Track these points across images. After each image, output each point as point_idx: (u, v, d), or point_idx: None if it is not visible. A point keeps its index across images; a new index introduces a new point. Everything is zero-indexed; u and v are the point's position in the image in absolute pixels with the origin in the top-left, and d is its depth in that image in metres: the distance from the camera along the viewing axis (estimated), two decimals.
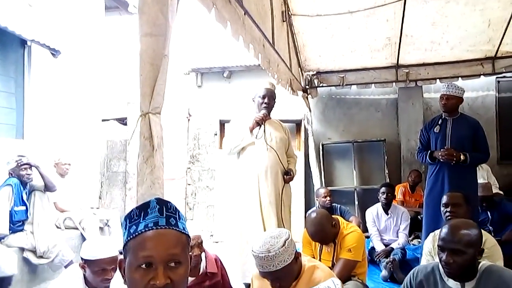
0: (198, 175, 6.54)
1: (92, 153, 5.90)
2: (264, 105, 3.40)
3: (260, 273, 1.93)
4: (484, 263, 1.81)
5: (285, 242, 1.86)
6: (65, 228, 4.41)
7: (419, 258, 3.36)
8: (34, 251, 3.73)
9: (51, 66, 5.00)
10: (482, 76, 5.29)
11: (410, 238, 4.75)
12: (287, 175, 3.41)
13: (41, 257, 3.74)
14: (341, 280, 2.24)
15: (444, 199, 2.82)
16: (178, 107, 6.38)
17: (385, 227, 4.38)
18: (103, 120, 6.40)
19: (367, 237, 4.27)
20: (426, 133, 3.71)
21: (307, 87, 5.82)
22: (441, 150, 3.46)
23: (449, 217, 2.70)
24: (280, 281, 1.89)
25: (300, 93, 5.51)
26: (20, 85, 4.67)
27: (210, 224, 6.35)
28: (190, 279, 2.45)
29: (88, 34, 5.69)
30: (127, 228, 1.06)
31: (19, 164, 3.72)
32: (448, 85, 3.54)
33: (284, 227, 3.16)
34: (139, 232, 1.03)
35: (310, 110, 5.86)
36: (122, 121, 7.00)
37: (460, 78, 5.23)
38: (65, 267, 3.71)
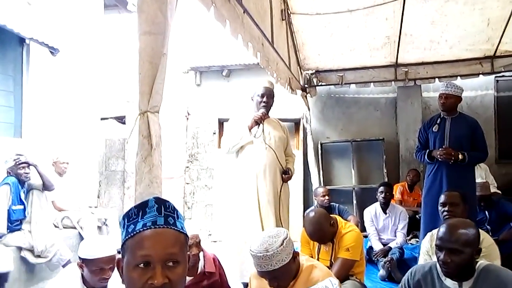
0: (197, 174, 6.54)
1: (90, 151, 5.89)
2: (263, 104, 3.39)
3: (258, 273, 1.93)
4: (481, 262, 1.81)
5: (283, 241, 1.86)
6: (63, 227, 4.40)
7: (417, 257, 3.36)
8: (32, 250, 3.72)
9: (49, 64, 4.98)
10: (481, 75, 5.31)
11: (408, 238, 4.76)
12: (286, 174, 3.40)
13: (39, 256, 3.73)
14: (339, 279, 2.25)
15: (442, 198, 2.83)
16: (176, 105, 6.38)
17: (383, 226, 4.39)
18: (101, 119, 6.38)
19: (365, 236, 4.28)
20: (425, 132, 3.71)
21: (306, 86, 5.82)
22: (440, 149, 3.47)
23: (446, 216, 2.70)
24: (278, 280, 1.89)
25: (299, 92, 5.50)
26: (18, 84, 4.65)
27: (208, 223, 6.35)
28: (188, 278, 2.45)
29: (87, 32, 5.68)
30: (125, 227, 1.06)
31: (17, 163, 3.70)
32: (447, 84, 3.54)
33: (282, 227, 3.17)
34: (137, 231, 1.02)
35: (309, 109, 5.86)
36: (121, 119, 6.99)
37: (459, 77, 5.24)
38: (63, 266, 3.70)
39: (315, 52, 5.38)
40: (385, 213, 4.36)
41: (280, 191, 3.35)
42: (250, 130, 3.34)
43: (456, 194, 2.79)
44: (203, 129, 6.52)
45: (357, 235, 2.78)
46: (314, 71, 5.79)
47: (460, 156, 3.38)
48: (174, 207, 1.09)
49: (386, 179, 5.69)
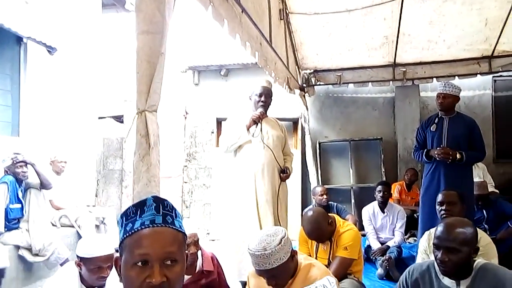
0: (195, 173, 6.54)
1: (88, 150, 5.88)
2: (260, 103, 3.39)
3: (256, 271, 1.93)
4: (479, 261, 1.82)
5: (281, 240, 1.86)
6: (61, 226, 4.39)
7: (415, 256, 3.37)
8: (29, 249, 3.72)
9: (47, 63, 4.97)
10: (478, 75, 5.31)
11: (406, 236, 4.77)
12: (284, 173, 3.40)
13: (36, 255, 3.73)
14: (337, 278, 2.25)
15: (439, 197, 2.84)
16: (175, 105, 6.38)
17: (381, 225, 4.40)
18: (99, 118, 6.37)
19: (363, 235, 4.29)
20: (423, 132, 3.72)
21: (304, 85, 5.82)
22: (437, 148, 3.48)
23: (444, 215, 2.71)
24: (276, 279, 1.89)
25: (297, 91, 5.50)
26: (16, 83, 4.64)
27: (206, 222, 6.35)
28: (186, 277, 2.45)
29: (85, 31, 5.66)
30: (123, 226, 1.06)
31: (14, 162, 3.70)
32: (444, 84, 3.55)
33: (280, 225, 3.16)
34: (135, 230, 1.02)
35: (307, 109, 5.86)
36: (119, 118, 6.97)
37: (456, 77, 5.25)
38: (61, 265, 3.70)
39: (313, 51, 5.38)
40: (383, 212, 4.37)
41: (278, 190, 3.35)
42: (248, 129, 3.34)
43: (454, 193, 2.80)
44: (201, 128, 6.52)
45: (355, 234, 2.78)
46: (312, 70, 5.78)
47: (458, 156, 3.39)
48: (172, 206, 1.09)
49: (384, 178, 5.71)
